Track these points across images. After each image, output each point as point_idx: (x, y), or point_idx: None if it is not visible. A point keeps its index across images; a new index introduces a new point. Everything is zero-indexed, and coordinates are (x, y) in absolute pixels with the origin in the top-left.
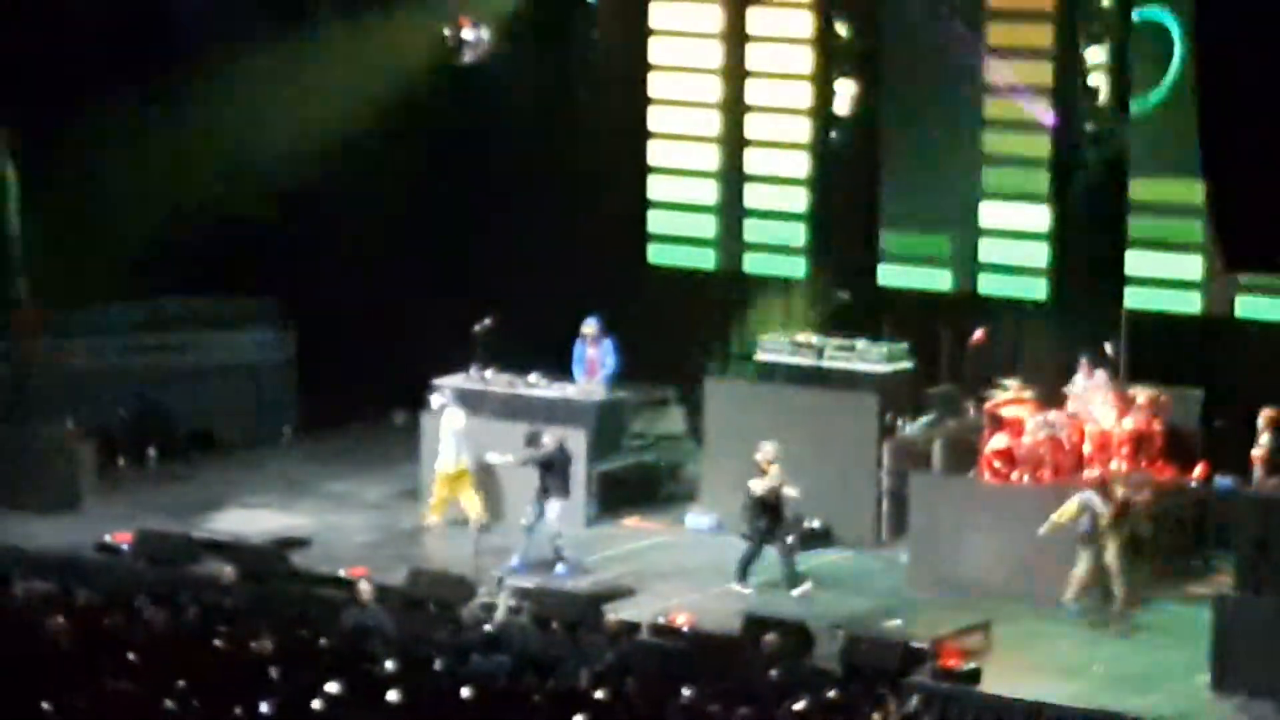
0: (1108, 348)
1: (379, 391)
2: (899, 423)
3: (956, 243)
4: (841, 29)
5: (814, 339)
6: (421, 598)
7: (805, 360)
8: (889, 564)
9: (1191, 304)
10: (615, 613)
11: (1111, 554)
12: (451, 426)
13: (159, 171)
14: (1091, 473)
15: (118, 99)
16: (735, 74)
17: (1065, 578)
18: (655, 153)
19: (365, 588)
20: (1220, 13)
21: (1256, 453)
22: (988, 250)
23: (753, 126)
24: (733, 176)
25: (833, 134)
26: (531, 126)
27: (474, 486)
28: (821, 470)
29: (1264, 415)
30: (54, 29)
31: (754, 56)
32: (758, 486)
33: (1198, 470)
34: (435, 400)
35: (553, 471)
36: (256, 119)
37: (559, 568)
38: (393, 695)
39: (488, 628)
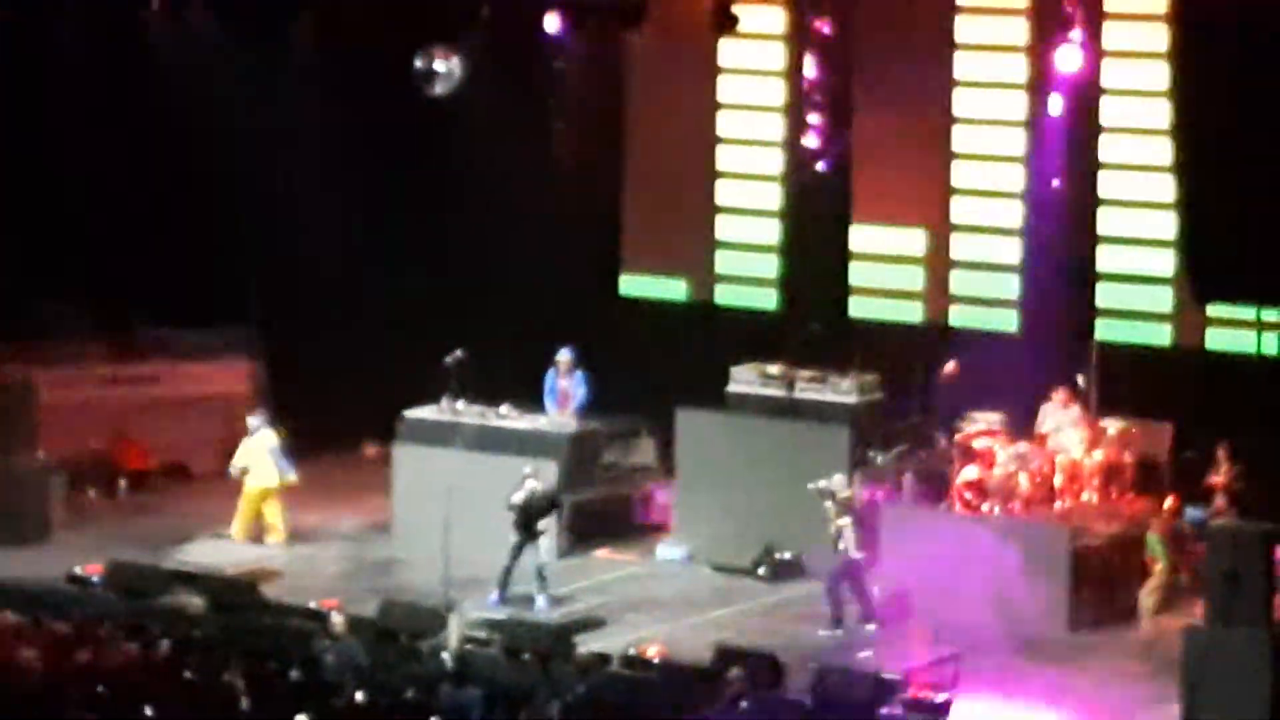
0: (1079, 380)
1: (350, 423)
2: (870, 454)
3: (927, 274)
4: (810, 66)
5: (785, 371)
6: (393, 629)
7: (777, 392)
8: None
9: (1162, 336)
10: (586, 644)
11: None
12: (268, 445)
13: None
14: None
15: (89, 130)
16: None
17: (1035, 609)
18: (630, 183)
19: (336, 619)
20: (1199, 55)
21: (1217, 480)
22: (959, 282)
23: (725, 159)
24: (704, 209)
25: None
26: (505, 157)
27: (280, 504)
28: (793, 502)
29: (1223, 446)
30: (33, 61)
31: (723, 89)
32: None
33: (1168, 502)
34: (252, 422)
35: (535, 512)
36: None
37: (540, 601)
38: None
39: (444, 655)
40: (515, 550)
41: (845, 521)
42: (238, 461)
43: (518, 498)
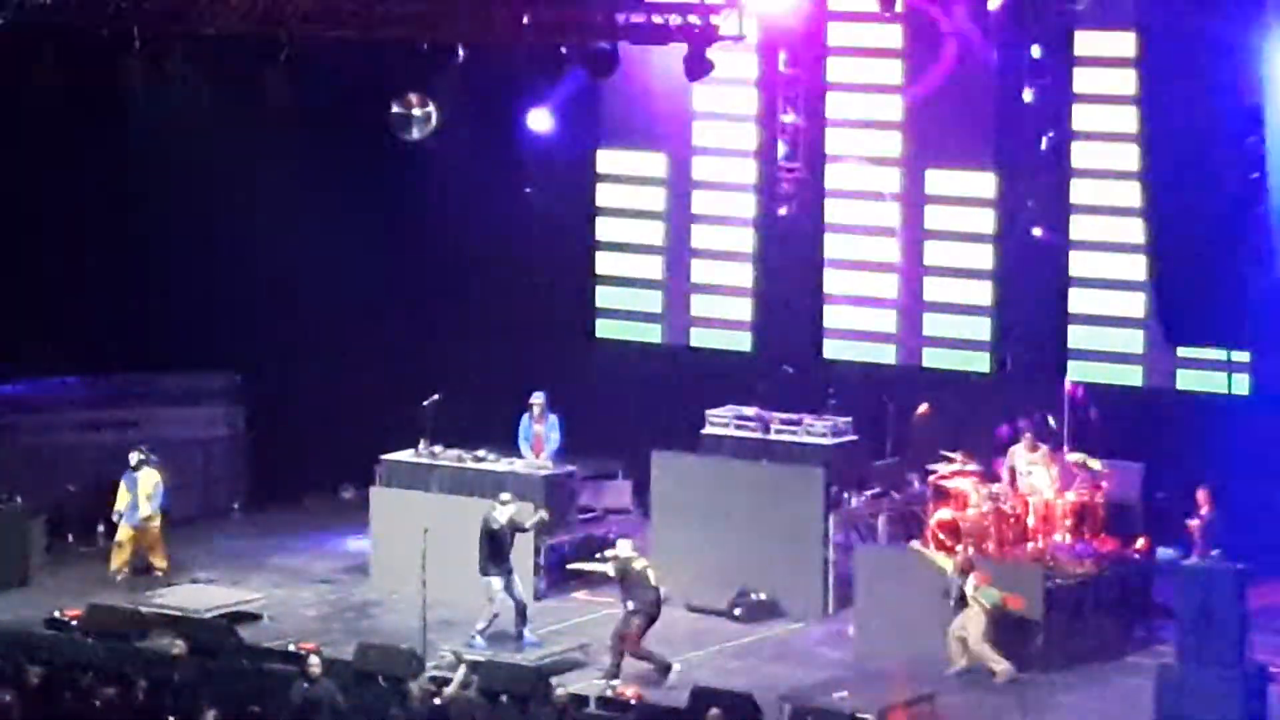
0: (1050, 420)
1: (328, 467)
2: (845, 496)
3: (900, 316)
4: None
5: (760, 413)
6: (371, 672)
7: (751, 434)
8: (835, 636)
9: (1133, 376)
10: (564, 685)
11: (974, 637)
12: (152, 481)
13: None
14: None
15: (69, 174)
16: (682, 151)
17: (1011, 648)
18: (602, 228)
19: (314, 662)
20: (1164, 97)
21: (1193, 523)
22: (931, 324)
23: (699, 202)
24: (681, 252)
25: (780, 211)
26: (480, 202)
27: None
28: (768, 543)
29: (1203, 489)
30: (12, 105)
31: (698, 133)
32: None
33: (1139, 542)
34: (134, 457)
35: (506, 544)
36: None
37: (528, 635)
38: None
39: (437, 702)
40: (505, 589)
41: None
42: (120, 504)
43: (501, 516)
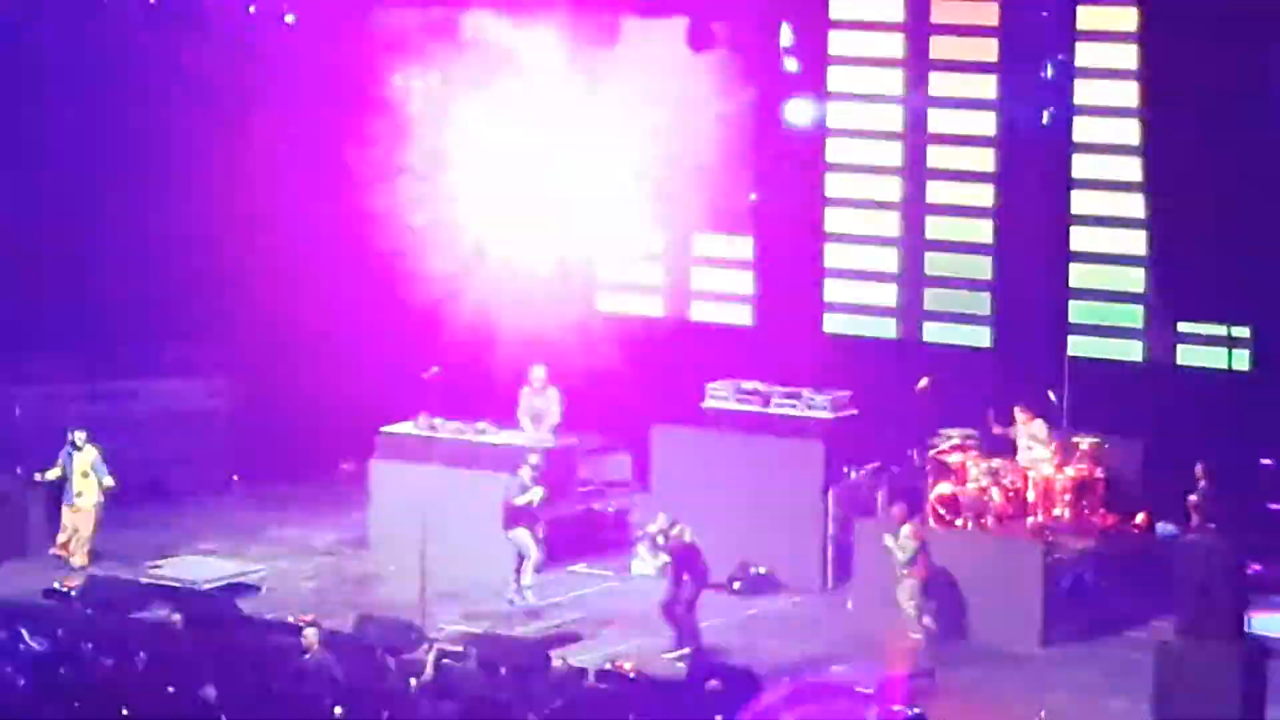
0: (1051, 395)
1: (327, 439)
2: (844, 469)
3: (901, 291)
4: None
5: (760, 387)
6: (369, 644)
7: (752, 408)
8: (834, 609)
9: (1133, 351)
10: (562, 658)
11: (902, 595)
12: (91, 459)
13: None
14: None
15: (68, 149)
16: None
17: (1010, 623)
18: (606, 199)
19: (312, 634)
20: (1165, 72)
21: (1193, 499)
22: (932, 299)
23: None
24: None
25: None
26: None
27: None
28: (767, 517)
29: (1200, 464)
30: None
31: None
32: None
33: (1139, 517)
34: (79, 437)
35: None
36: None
37: (524, 594)
38: None
39: (413, 681)
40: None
41: (664, 558)
42: (77, 485)
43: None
